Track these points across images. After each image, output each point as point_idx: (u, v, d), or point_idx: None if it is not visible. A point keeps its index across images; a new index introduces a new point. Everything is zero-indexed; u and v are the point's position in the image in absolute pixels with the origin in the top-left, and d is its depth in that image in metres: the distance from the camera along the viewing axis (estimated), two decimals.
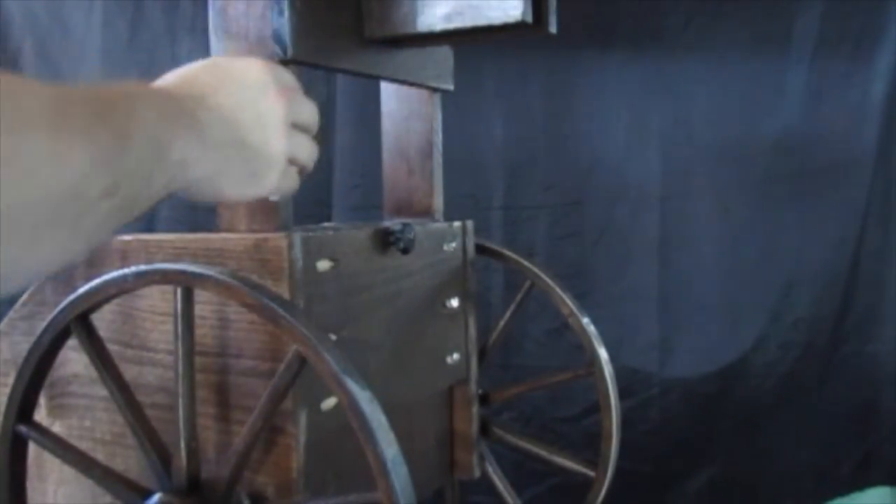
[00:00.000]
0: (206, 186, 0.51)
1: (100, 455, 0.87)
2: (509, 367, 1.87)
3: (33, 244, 0.37)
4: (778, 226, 1.87)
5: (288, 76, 0.58)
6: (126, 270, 0.77)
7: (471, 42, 1.04)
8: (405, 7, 0.91)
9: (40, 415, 0.90)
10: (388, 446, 0.69)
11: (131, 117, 0.42)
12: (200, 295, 0.78)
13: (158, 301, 0.85)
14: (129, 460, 0.87)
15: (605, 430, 1.15)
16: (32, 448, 0.86)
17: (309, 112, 0.59)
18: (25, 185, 0.35)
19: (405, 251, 0.96)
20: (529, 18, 0.86)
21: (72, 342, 0.83)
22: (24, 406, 0.84)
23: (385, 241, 0.95)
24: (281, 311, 0.71)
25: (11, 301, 0.97)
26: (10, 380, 0.84)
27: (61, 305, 0.80)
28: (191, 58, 0.52)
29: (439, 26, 0.90)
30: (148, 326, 0.86)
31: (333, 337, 0.73)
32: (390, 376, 0.98)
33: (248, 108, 0.53)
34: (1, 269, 0.36)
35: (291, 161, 0.58)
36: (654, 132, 1.87)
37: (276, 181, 0.56)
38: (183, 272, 0.76)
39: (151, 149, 0.44)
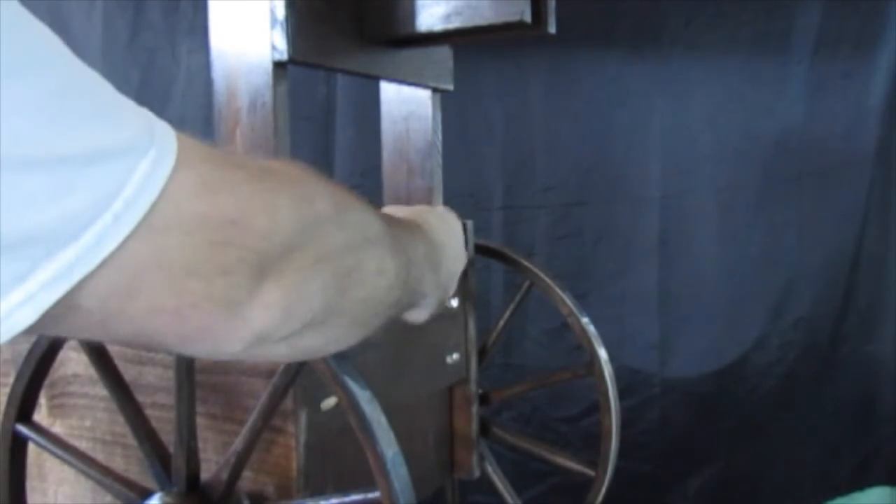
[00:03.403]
0: (411, 314, 0.65)
1: (100, 455, 0.87)
2: (509, 367, 1.87)
3: (355, 334, 0.51)
4: (778, 226, 1.87)
5: None
6: None
7: (471, 42, 1.04)
8: (405, 7, 0.91)
9: (40, 415, 0.90)
10: (388, 446, 0.69)
11: (414, 250, 0.57)
12: None
13: None
14: (129, 460, 0.87)
15: (604, 429, 1.15)
16: (32, 448, 0.86)
17: None
18: (381, 285, 0.50)
19: None
20: (529, 18, 0.86)
21: (72, 342, 0.83)
22: (24, 406, 0.84)
23: None
24: None
25: None
26: (10, 380, 0.84)
27: None
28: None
29: (439, 26, 0.90)
30: None
31: None
32: (390, 376, 0.98)
33: (457, 263, 0.71)
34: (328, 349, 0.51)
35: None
36: (654, 132, 1.87)
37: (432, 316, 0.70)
38: None
39: (416, 278, 0.57)
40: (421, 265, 0.58)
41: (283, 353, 0.45)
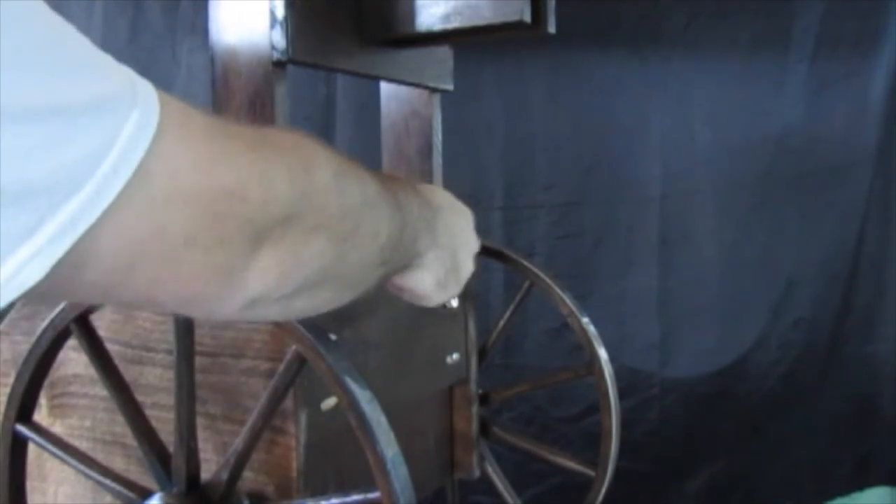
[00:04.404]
0: (412, 279, 0.63)
1: (100, 455, 0.87)
2: (509, 367, 1.87)
3: (347, 295, 0.52)
4: (778, 226, 1.87)
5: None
6: None
7: (470, 42, 1.04)
8: (405, 7, 0.91)
9: (40, 415, 0.90)
10: (388, 446, 0.69)
11: (409, 209, 0.57)
12: None
13: None
14: (129, 460, 0.87)
15: (604, 429, 1.15)
16: (32, 448, 0.86)
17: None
18: (374, 245, 0.51)
19: None
20: (528, 18, 0.86)
21: (72, 342, 0.83)
22: (24, 406, 0.84)
23: None
24: None
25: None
26: (10, 380, 0.84)
27: (61, 305, 0.80)
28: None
29: (438, 26, 0.90)
30: (148, 326, 0.86)
31: (333, 337, 0.73)
32: (390, 376, 0.98)
33: (464, 232, 0.69)
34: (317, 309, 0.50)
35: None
36: (654, 132, 1.87)
37: (451, 295, 0.69)
38: None
39: (410, 237, 0.57)
40: (415, 224, 0.59)
41: (275, 313, 0.46)
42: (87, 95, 0.32)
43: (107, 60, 0.35)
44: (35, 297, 0.32)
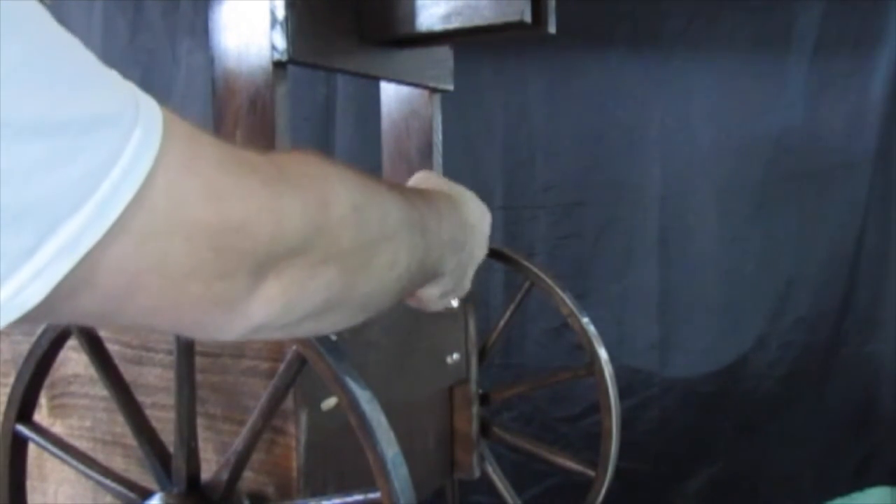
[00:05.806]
0: (422, 291, 0.63)
1: (100, 455, 0.87)
2: (509, 367, 1.87)
3: (356, 319, 0.52)
4: (778, 225, 1.87)
5: None
6: None
7: (470, 42, 1.04)
8: (405, 7, 0.91)
9: (40, 415, 0.90)
10: (388, 446, 0.69)
11: (436, 234, 0.56)
12: None
13: None
14: (129, 460, 0.87)
15: (604, 429, 1.15)
16: (32, 448, 0.86)
17: None
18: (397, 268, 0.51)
19: None
20: (528, 18, 0.86)
21: (72, 342, 0.83)
22: (24, 406, 0.84)
23: None
24: None
25: None
26: (11, 380, 0.84)
27: None
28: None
29: (438, 26, 0.90)
30: None
31: (333, 337, 0.73)
32: (390, 376, 0.98)
33: (480, 252, 0.68)
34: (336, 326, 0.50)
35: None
36: (654, 132, 1.87)
37: (448, 303, 0.69)
38: None
39: (434, 260, 0.57)
40: (442, 246, 0.58)
41: (279, 336, 0.47)
42: (90, 112, 0.31)
43: (111, 76, 0.34)
44: (29, 319, 0.31)
